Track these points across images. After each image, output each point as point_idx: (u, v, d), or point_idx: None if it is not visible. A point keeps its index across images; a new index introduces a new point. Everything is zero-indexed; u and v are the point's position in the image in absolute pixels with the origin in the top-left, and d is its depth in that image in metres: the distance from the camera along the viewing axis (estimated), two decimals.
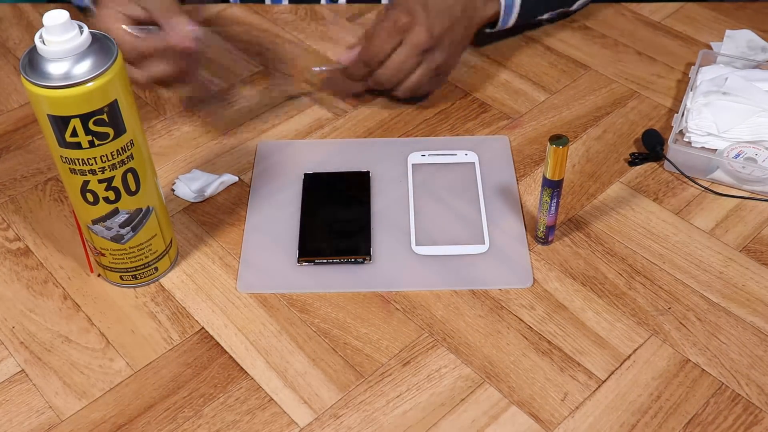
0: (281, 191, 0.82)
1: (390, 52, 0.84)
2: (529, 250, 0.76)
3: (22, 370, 0.68)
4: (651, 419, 0.63)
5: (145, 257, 0.71)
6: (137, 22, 0.77)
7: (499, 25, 0.95)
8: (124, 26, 0.77)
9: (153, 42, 0.77)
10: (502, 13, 0.93)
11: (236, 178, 0.83)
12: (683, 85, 0.94)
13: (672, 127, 0.84)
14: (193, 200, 0.81)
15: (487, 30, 0.96)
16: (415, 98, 0.90)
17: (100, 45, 0.61)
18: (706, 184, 0.81)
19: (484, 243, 0.75)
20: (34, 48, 0.60)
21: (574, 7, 1.02)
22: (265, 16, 1.07)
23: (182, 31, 0.77)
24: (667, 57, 0.98)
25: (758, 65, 0.92)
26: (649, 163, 0.84)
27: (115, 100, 0.61)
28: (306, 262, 0.74)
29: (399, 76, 0.85)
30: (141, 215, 0.69)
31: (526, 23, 0.99)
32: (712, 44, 0.99)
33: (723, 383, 0.65)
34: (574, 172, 0.83)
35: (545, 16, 1.00)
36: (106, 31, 0.68)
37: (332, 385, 0.66)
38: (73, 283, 0.74)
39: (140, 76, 0.79)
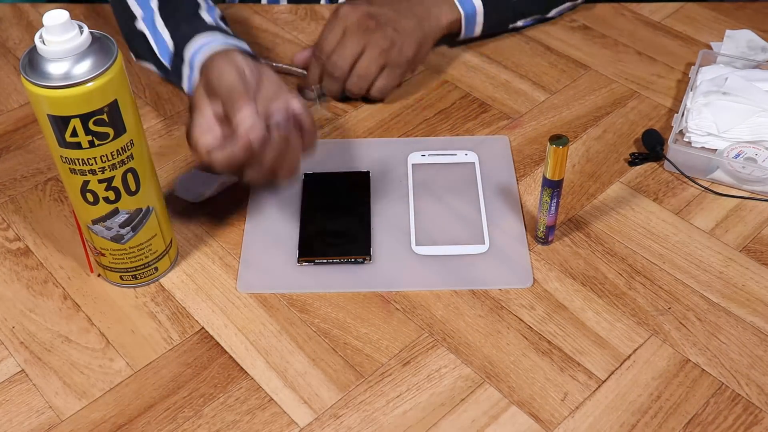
0: (281, 191, 0.82)
1: (334, 41, 0.87)
2: (529, 250, 0.76)
3: (22, 370, 0.68)
4: (651, 419, 0.63)
5: (145, 257, 0.71)
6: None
7: (464, 34, 0.96)
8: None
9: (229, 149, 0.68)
10: (463, 22, 0.94)
11: (236, 178, 0.83)
12: (683, 85, 0.94)
13: (672, 127, 0.84)
14: (193, 200, 0.81)
15: (458, 39, 0.97)
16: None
17: (100, 45, 0.61)
18: (706, 184, 0.81)
19: (484, 243, 0.75)
20: (34, 48, 0.60)
21: (552, 14, 1.02)
22: (265, 16, 1.07)
23: (247, 121, 0.66)
24: (667, 57, 0.98)
25: (758, 65, 0.92)
26: (649, 163, 0.84)
27: (115, 100, 0.61)
28: (306, 262, 0.74)
29: (346, 57, 0.87)
30: (141, 215, 0.69)
31: (501, 30, 1.00)
32: (712, 44, 0.99)
33: (723, 383, 0.65)
34: (574, 172, 0.83)
35: (519, 23, 1.00)
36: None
37: (332, 385, 0.66)
38: (73, 283, 0.74)
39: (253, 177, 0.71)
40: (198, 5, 0.83)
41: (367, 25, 0.86)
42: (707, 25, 1.03)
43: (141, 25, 0.84)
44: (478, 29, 0.96)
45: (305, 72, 0.94)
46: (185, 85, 0.79)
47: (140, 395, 0.66)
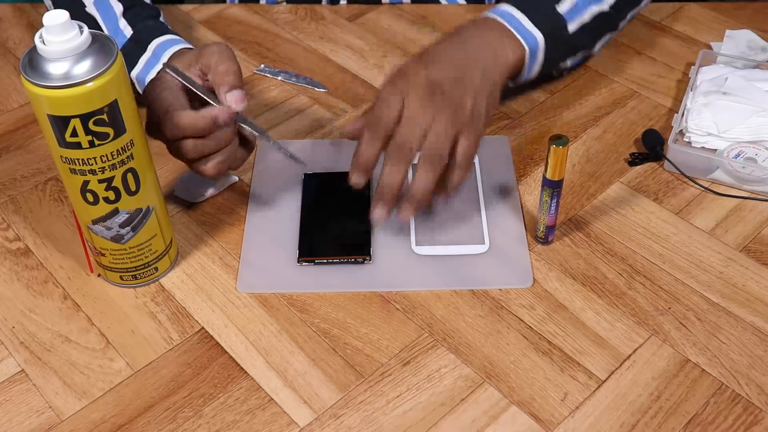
0: (281, 191, 0.82)
1: (394, 115, 0.71)
2: (529, 250, 0.76)
3: (22, 370, 0.68)
4: (651, 419, 0.63)
5: (145, 257, 0.71)
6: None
7: (524, 75, 0.82)
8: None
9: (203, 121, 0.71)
10: (527, 58, 0.80)
11: (236, 178, 0.83)
12: (683, 85, 0.94)
13: (672, 127, 0.84)
14: (193, 200, 0.81)
15: (510, 84, 0.83)
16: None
17: (100, 45, 0.61)
18: (706, 184, 0.81)
19: (484, 243, 0.75)
20: (34, 48, 0.60)
21: (596, 48, 0.90)
22: (265, 16, 1.07)
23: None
24: (667, 57, 0.98)
25: (758, 65, 0.92)
26: (649, 163, 0.84)
27: (115, 100, 0.61)
28: (306, 262, 0.74)
29: (415, 129, 0.70)
30: (141, 215, 0.69)
31: (546, 77, 0.90)
32: (712, 44, 0.99)
33: (723, 383, 0.65)
34: (574, 172, 0.83)
35: (569, 63, 0.89)
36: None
37: (332, 385, 0.66)
38: (73, 283, 0.74)
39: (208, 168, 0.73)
40: (159, 12, 0.87)
41: (432, 91, 0.71)
42: (707, 25, 1.03)
43: (91, 9, 0.85)
44: (536, 68, 0.83)
45: (326, 88, 0.93)
46: (138, 69, 0.80)
47: (140, 395, 0.66)
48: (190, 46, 0.81)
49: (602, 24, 0.87)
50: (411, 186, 0.71)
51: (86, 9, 0.86)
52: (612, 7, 0.87)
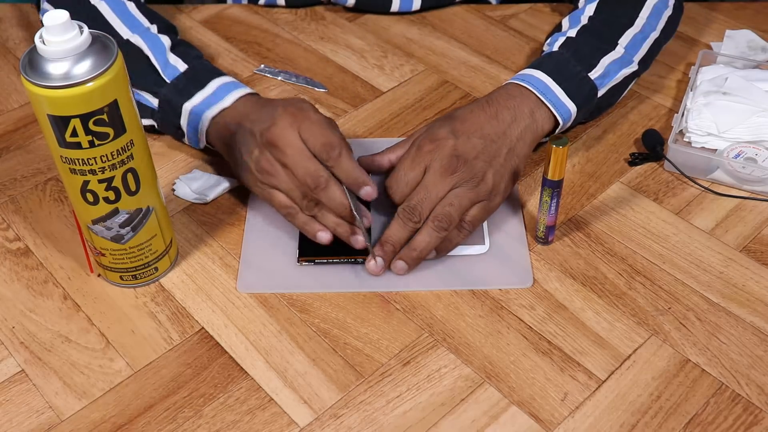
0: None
1: (414, 180, 0.73)
2: (529, 250, 0.76)
3: (22, 370, 0.68)
4: (651, 419, 0.63)
5: (145, 257, 0.71)
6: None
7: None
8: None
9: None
10: (559, 129, 0.81)
11: (237, 182, 0.83)
12: (683, 85, 0.94)
13: (672, 127, 0.84)
14: (193, 200, 0.81)
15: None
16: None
17: (101, 45, 0.61)
18: (706, 184, 0.81)
19: (484, 243, 0.75)
20: (34, 48, 0.60)
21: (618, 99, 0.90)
22: (265, 16, 1.07)
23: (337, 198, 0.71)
24: (667, 57, 0.98)
25: (758, 65, 0.92)
26: (649, 163, 0.84)
27: (115, 100, 0.61)
28: (306, 262, 0.74)
29: (430, 196, 0.71)
30: (141, 215, 0.69)
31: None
32: (712, 44, 1.00)
33: (723, 383, 0.65)
34: (574, 172, 0.83)
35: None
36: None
37: (332, 385, 0.66)
38: (73, 283, 0.74)
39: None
40: (201, 53, 0.86)
41: (455, 163, 0.72)
42: (707, 25, 1.03)
43: (136, 39, 0.84)
44: (563, 130, 0.84)
45: (326, 88, 0.93)
46: (195, 101, 0.79)
47: (140, 395, 0.66)
48: (253, 91, 0.80)
49: (629, 81, 0.88)
50: (412, 242, 0.72)
51: (132, 41, 0.83)
52: (639, 64, 0.87)
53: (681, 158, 0.82)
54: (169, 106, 0.80)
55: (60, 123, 0.61)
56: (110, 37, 0.63)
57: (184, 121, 0.80)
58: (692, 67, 0.91)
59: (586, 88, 0.81)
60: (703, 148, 0.83)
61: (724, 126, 0.83)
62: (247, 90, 0.79)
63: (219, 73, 0.81)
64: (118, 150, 0.64)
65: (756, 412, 0.63)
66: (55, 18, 0.59)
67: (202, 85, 0.79)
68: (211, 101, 0.78)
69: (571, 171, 0.83)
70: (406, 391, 0.65)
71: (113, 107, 0.61)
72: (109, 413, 0.64)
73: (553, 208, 0.73)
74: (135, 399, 0.65)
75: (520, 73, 0.82)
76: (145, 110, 0.82)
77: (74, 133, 0.61)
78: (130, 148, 0.64)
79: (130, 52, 0.83)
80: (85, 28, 0.61)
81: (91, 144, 0.62)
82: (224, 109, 0.78)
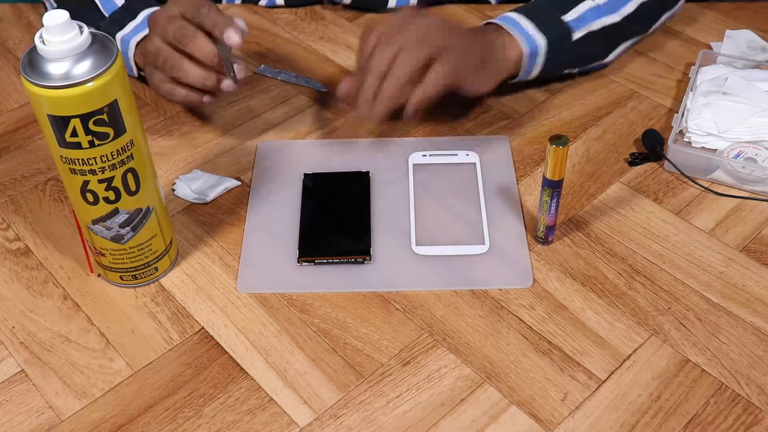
0: (281, 191, 0.82)
1: (370, 46, 0.78)
2: (529, 250, 0.76)
3: (22, 370, 0.68)
4: (651, 419, 0.63)
5: (145, 257, 0.71)
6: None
7: (522, 74, 0.87)
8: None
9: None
10: (525, 59, 0.84)
11: (238, 183, 0.83)
12: (683, 85, 0.94)
13: (672, 127, 0.84)
14: (193, 200, 0.81)
15: (511, 81, 0.88)
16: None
17: (101, 45, 0.61)
18: (706, 184, 0.81)
19: (484, 243, 0.75)
20: (34, 48, 0.60)
21: (609, 58, 0.93)
22: (265, 15, 1.07)
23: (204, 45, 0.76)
24: (667, 57, 0.98)
25: (758, 65, 0.92)
26: (649, 163, 0.84)
27: (115, 100, 0.61)
28: (306, 262, 0.74)
29: (399, 73, 0.76)
30: (141, 215, 0.69)
31: (555, 73, 0.92)
32: (712, 44, 0.99)
33: (723, 383, 0.65)
34: (574, 172, 0.83)
35: (575, 71, 0.93)
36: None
37: (332, 385, 0.66)
38: (73, 283, 0.74)
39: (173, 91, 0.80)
40: None
41: (424, 34, 0.77)
42: (707, 25, 1.03)
43: None
44: (536, 71, 0.87)
45: (325, 88, 0.94)
46: (124, 31, 0.86)
47: (140, 395, 0.66)
48: None
49: (614, 34, 0.88)
50: (382, 85, 0.76)
51: None
52: (626, 18, 0.88)
53: (681, 158, 0.82)
54: None
55: (60, 123, 0.61)
56: (110, 37, 0.63)
57: (121, 47, 0.86)
58: (692, 67, 0.91)
59: (558, 26, 0.84)
60: (703, 148, 0.83)
61: (724, 126, 0.83)
62: None
63: (152, 3, 0.87)
64: (118, 150, 0.64)
65: (756, 412, 0.63)
66: (55, 18, 0.59)
67: (133, 16, 0.86)
68: (138, 29, 0.85)
69: (571, 171, 0.83)
70: (406, 391, 0.65)
71: (113, 107, 0.61)
72: (109, 413, 0.64)
73: (553, 208, 0.73)
74: (135, 399, 0.65)
75: (492, 20, 0.86)
76: None
77: (74, 133, 0.61)
78: (130, 148, 0.64)
79: None
80: (85, 28, 0.61)
81: (91, 144, 0.62)
82: (146, 35, 0.83)
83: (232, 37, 0.74)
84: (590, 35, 0.86)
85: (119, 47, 0.82)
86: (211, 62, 0.76)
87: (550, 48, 0.83)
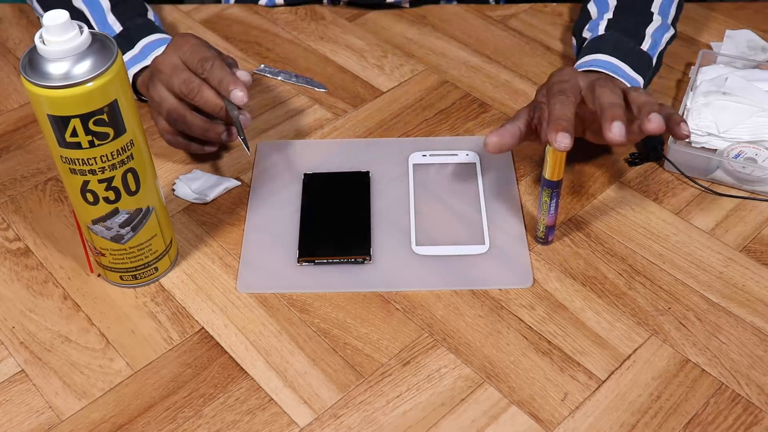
0: (281, 191, 0.82)
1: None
2: (529, 250, 0.76)
3: (22, 370, 0.68)
4: (651, 419, 0.63)
5: (145, 257, 0.71)
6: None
7: None
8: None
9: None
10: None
11: (238, 183, 0.83)
12: (683, 85, 0.94)
13: None
14: (193, 200, 0.81)
15: None
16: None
17: (100, 45, 0.61)
18: (706, 184, 0.81)
19: (484, 243, 0.75)
20: (34, 48, 0.60)
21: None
22: (265, 15, 1.07)
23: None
24: (667, 57, 0.98)
25: (758, 65, 0.92)
26: (649, 163, 0.84)
27: (115, 100, 0.61)
28: (306, 262, 0.74)
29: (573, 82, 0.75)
30: (141, 215, 0.69)
31: None
32: (712, 44, 0.99)
33: (723, 383, 0.65)
34: (574, 172, 0.83)
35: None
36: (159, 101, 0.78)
37: (332, 385, 0.66)
38: (73, 283, 0.74)
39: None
40: (147, 8, 0.93)
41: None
42: (707, 25, 1.03)
43: (79, 4, 0.90)
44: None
45: (326, 88, 0.94)
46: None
47: (140, 395, 0.66)
48: None
49: (669, 44, 0.91)
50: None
51: (74, 3, 0.89)
52: (673, 26, 0.91)
53: (681, 158, 0.82)
54: None
55: (60, 123, 0.61)
56: (110, 37, 0.63)
57: None
58: (692, 67, 0.91)
59: (645, 59, 0.85)
60: (703, 148, 0.83)
61: (724, 126, 0.83)
62: (164, 47, 0.83)
63: (150, 31, 0.87)
64: (118, 150, 0.64)
65: (756, 412, 0.63)
66: (55, 18, 0.59)
67: (131, 45, 0.86)
68: (136, 60, 0.85)
69: (571, 171, 0.83)
70: (406, 391, 0.65)
71: (113, 107, 0.61)
72: (109, 413, 0.64)
73: (552, 208, 0.73)
74: (135, 399, 0.65)
75: (582, 61, 0.84)
76: None
77: (74, 133, 0.61)
78: (130, 148, 0.64)
79: (74, 16, 0.88)
80: (85, 28, 0.61)
81: (91, 144, 0.62)
82: (144, 67, 0.84)
83: (239, 97, 0.75)
84: (659, 54, 0.89)
85: None
86: (218, 115, 0.78)
87: (645, 82, 0.85)
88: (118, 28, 0.88)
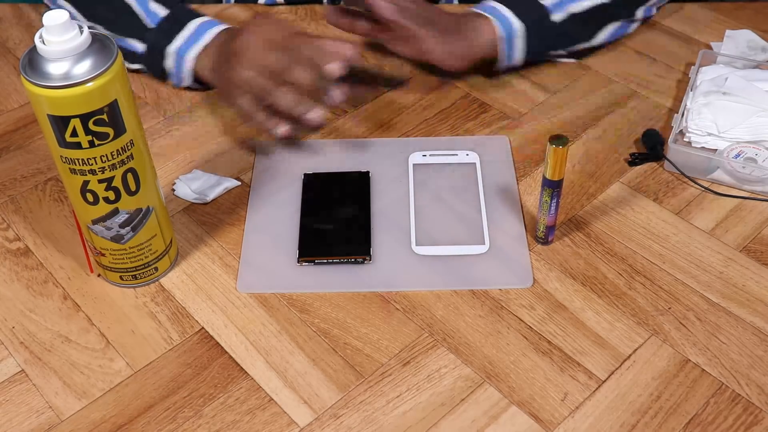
0: (281, 191, 0.82)
1: None
2: (529, 250, 0.76)
3: (22, 370, 0.68)
4: (651, 419, 0.63)
5: (145, 257, 0.71)
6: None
7: (503, 60, 0.90)
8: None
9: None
10: (504, 44, 0.88)
11: (238, 183, 0.83)
12: (683, 85, 0.94)
13: (672, 127, 0.84)
14: (193, 200, 0.81)
15: (498, 68, 0.92)
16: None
17: (100, 45, 0.61)
18: (706, 184, 0.81)
19: (484, 243, 0.75)
20: (34, 48, 0.60)
21: (597, 41, 0.95)
22: None
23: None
24: (667, 57, 0.98)
25: (758, 65, 0.92)
26: (649, 163, 0.84)
27: (115, 100, 0.61)
28: (306, 262, 0.74)
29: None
30: (141, 215, 0.69)
31: (542, 57, 0.95)
32: (712, 44, 0.99)
33: (723, 383, 0.65)
34: (574, 172, 0.83)
35: (563, 53, 0.95)
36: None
37: (332, 385, 0.66)
38: (73, 283, 0.74)
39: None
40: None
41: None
42: (707, 25, 1.03)
43: None
44: (518, 55, 0.90)
45: None
46: (176, 43, 0.87)
47: (140, 395, 0.66)
48: (229, 26, 0.88)
49: (601, 16, 0.90)
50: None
51: None
52: (628, 5, 0.92)
53: (681, 158, 0.82)
54: (154, 49, 0.89)
55: (60, 123, 0.61)
56: (110, 37, 0.63)
57: (170, 63, 0.89)
58: (692, 67, 0.91)
59: (535, 9, 0.88)
60: (703, 148, 0.83)
61: (724, 126, 0.83)
62: (223, 26, 0.87)
63: (197, 14, 0.89)
64: (118, 150, 0.64)
65: (756, 412, 0.63)
66: (55, 18, 0.59)
67: (182, 27, 0.87)
68: (191, 41, 0.86)
69: (571, 171, 0.83)
70: (406, 391, 0.65)
71: (113, 107, 0.61)
72: (109, 413, 0.64)
73: (553, 208, 0.73)
74: (135, 399, 0.65)
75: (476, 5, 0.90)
76: (132, 56, 0.91)
77: (74, 133, 0.61)
78: (130, 148, 0.64)
79: (116, 3, 0.90)
80: (85, 28, 0.61)
81: (91, 144, 0.62)
82: (205, 47, 0.85)
83: (334, 69, 0.76)
84: (573, 17, 0.89)
85: (173, 60, 0.87)
86: (310, 87, 0.78)
87: (529, 31, 0.87)
88: (163, 12, 0.89)
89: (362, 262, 0.74)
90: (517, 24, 0.87)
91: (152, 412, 0.64)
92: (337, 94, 0.79)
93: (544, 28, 0.89)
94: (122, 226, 0.68)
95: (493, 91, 0.94)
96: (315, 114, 0.79)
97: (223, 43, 0.83)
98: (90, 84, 0.59)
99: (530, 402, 0.64)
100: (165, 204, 0.72)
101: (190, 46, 0.86)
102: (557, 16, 0.88)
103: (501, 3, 0.89)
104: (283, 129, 0.81)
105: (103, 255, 0.71)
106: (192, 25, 0.87)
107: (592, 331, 0.69)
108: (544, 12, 0.88)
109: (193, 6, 0.92)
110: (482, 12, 0.89)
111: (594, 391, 0.65)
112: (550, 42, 0.92)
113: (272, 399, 0.65)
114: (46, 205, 0.82)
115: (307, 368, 0.67)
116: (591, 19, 0.91)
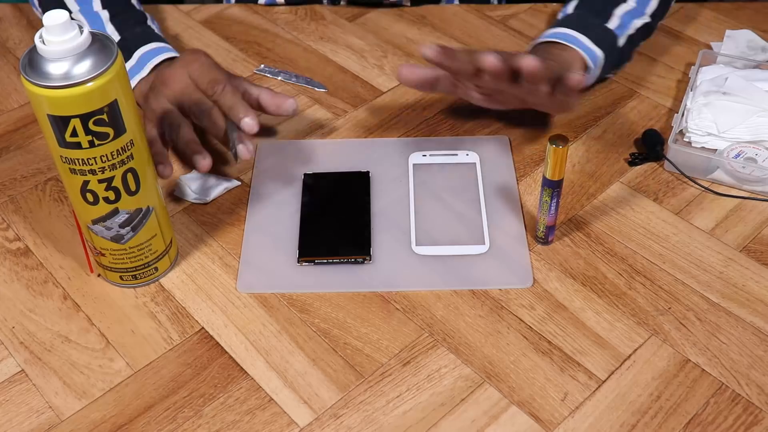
0: (281, 191, 0.82)
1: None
2: (529, 250, 0.76)
3: (22, 370, 0.68)
4: (651, 419, 0.63)
5: (145, 257, 0.71)
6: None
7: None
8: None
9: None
10: (588, 74, 0.86)
11: (238, 183, 0.83)
12: (683, 85, 0.94)
13: (672, 127, 0.84)
14: (193, 200, 0.81)
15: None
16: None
17: (100, 45, 0.61)
18: (706, 184, 0.81)
19: (484, 243, 0.75)
20: (34, 48, 0.60)
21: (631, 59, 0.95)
22: (264, 15, 1.07)
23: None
24: (667, 57, 0.98)
25: (758, 65, 0.92)
26: (649, 163, 0.84)
27: (115, 100, 0.61)
28: (306, 262, 0.74)
29: None
30: (141, 215, 0.69)
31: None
32: (712, 44, 0.99)
33: (723, 383, 0.65)
34: (574, 172, 0.83)
35: (611, 74, 0.94)
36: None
37: (332, 385, 0.66)
38: (73, 283, 0.74)
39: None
40: (146, 16, 0.93)
41: None
42: (707, 25, 1.03)
43: (78, 16, 0.89)
44: (591, 81, 0.89)
45: (326, 88, 0.94)
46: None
47: (140, 395, 0.66)
48: (175, 54, 0.86)
49: (644, 34, 0.92)
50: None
51: (72, 16, 0.88)
52: (652, 16, 0.92)
53: (681, 158, 0.82)
54: None
55: (60, 123, 0.61)
56: (110, 37, 0.63)
57: None
58: (692, 67, 0.91)
59: (609, 36, 0.87)
60: (703, 148, 0.83)
61: (724, 126, 0.83)
62: (162, 57, 0.86)
63: (147, 40, 0.87)
64: (118, 150, 0.64)
65: (756, 412, 0.63)
66: (55, 18, 0.59)
67: (129, 56, 0.86)
68: (133, 71, 0.86)
69: (571, 171, 0.83)
70: (406, 391, 0.65)
71: (113, 107, 0.61)
72: (109, 413, 0.64)
73: (553, 208, 0.73)
74: (135, 399, 0.65)
75: (543, 33, 0.87)
76: None
77: (74, 133, 0.61)
78: (129, 148, 0.64)
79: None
80: (85, 28, 0.61)
81: (91, 144, 0.62)
82: (141, 79, 0.85)
83: (249, 125, 0.76)
84: (629, 39, 0.89)
85: None
86: (216, 137, 0.79)
87: (606, 59, 0.86)
88: (116, 38, 0.88)
89: (362, 262, 0.74)
90: (599, 53, 0.85)
91: (152, 412, 0.64)
92: (243, 150, 0.77)
93: (614, 54, 0.88)
94: (122, 226, 0.68)
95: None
96: (204, 161, 0.78)
97: (157, 73, 0.83)
98: (90, 84, 0.59)
99: (530, 402, 0.64)
100: (165, 204, 0.72)
101: (133, 76, 0.86)
102: (621, 40, 0.88)
103: (575, 29, 0.85)
104: (166, 169, 0.78)
105: (103, 255, 0.71)
106: (137, 55, 0.86)
107: (592, 331, 0.69)
108: (615, 38, 0.87)
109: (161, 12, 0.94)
110: (566, 43, 0.85)
111: (594, 391, 0.65)
112: (614, 66, 0.91)
113: (272, 399, 0.65)
114: (46, 205, 0.82)
115: (307, 368, 0.67)
116: (638, 38, 0.91)
